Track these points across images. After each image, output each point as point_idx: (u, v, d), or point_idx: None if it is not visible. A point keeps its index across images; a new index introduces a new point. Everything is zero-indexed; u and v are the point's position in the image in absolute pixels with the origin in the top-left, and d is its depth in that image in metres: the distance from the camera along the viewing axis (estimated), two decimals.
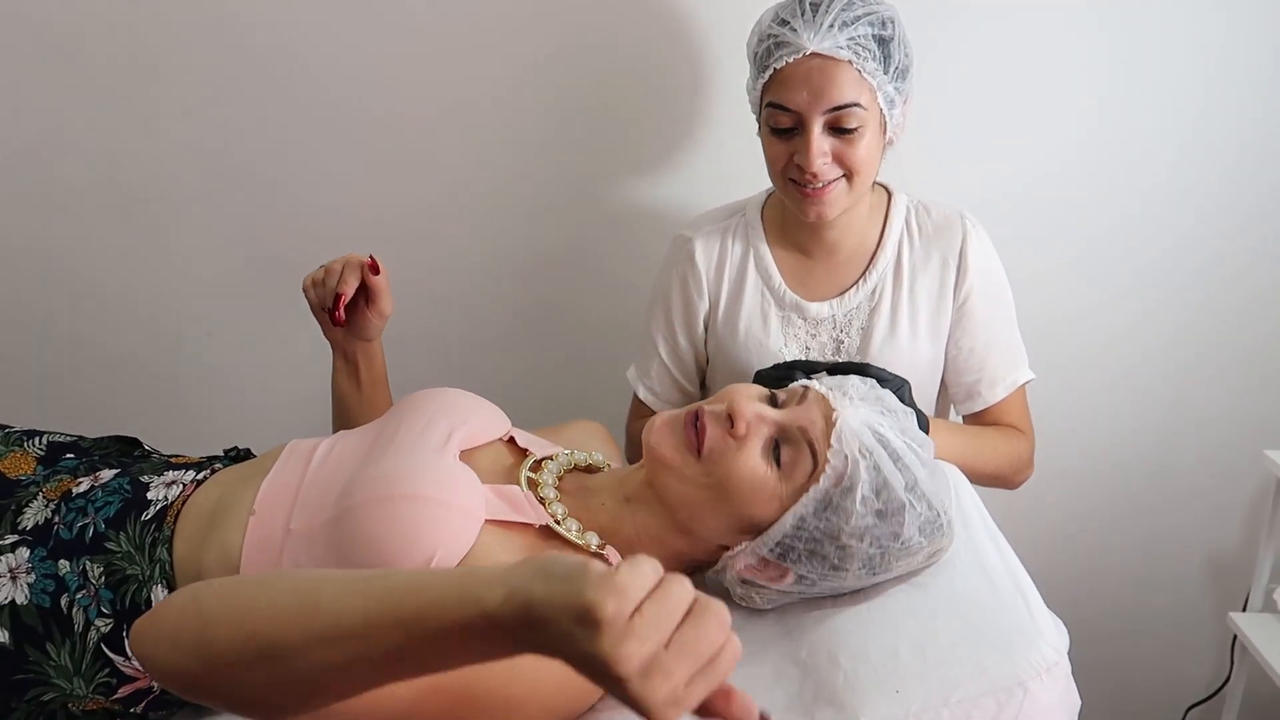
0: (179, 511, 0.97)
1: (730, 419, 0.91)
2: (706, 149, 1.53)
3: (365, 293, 1.16)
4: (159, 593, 0.92)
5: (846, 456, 0.88)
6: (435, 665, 0.58)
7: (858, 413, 0.91)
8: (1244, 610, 1.64)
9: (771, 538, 0.91)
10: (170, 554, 0.94)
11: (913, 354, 1.27)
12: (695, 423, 0.92)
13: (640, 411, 1.40)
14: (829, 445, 0.88)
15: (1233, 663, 1.68)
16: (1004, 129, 1.53)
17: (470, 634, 0.56)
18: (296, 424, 1.27)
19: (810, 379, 0.98)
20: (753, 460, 0.90)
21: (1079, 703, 0.89)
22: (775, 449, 0.90)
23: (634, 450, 1.38)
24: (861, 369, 1.06)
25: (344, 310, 1.14)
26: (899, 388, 1.06)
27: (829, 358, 1.29)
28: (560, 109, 1.52)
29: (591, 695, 0.83)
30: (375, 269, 1.14)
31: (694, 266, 1.31)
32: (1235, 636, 1.64)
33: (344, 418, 1.24)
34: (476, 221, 1.59)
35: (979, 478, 1.23)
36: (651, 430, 0.94)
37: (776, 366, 1.15)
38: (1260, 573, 1.61)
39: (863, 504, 0.88)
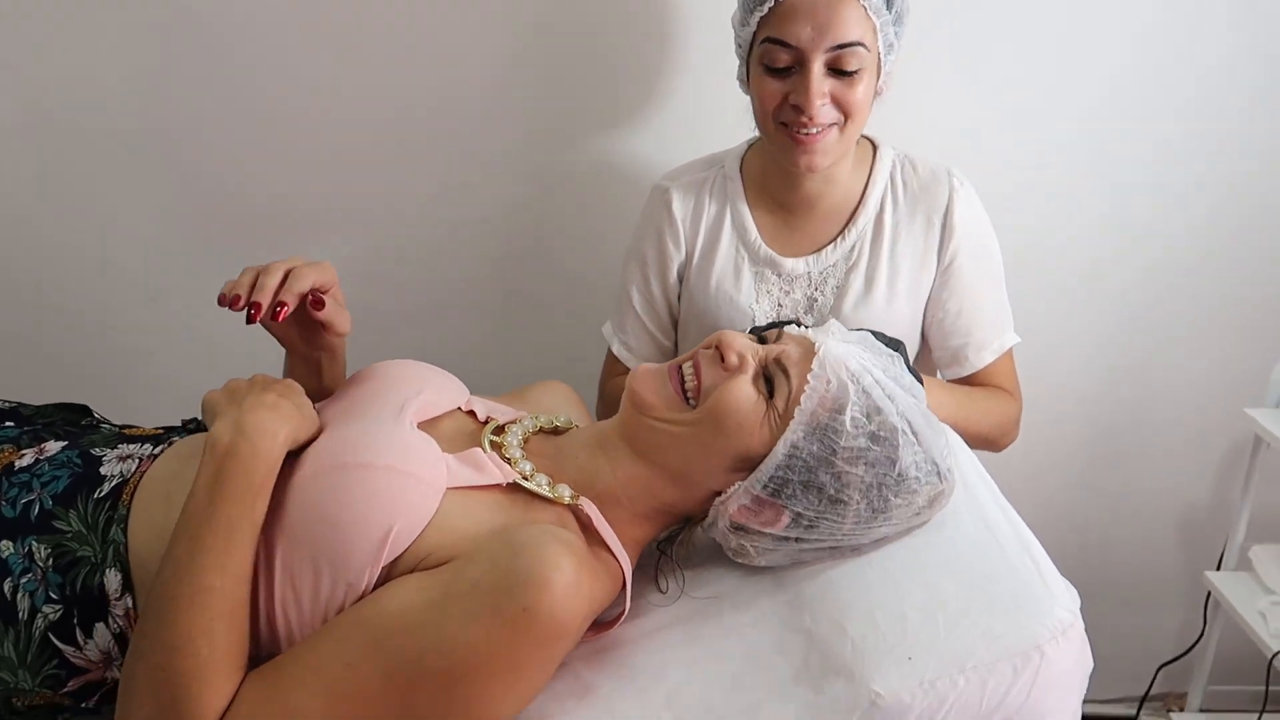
0: (135, 488, 0.89)
1: (720, 353, 0.90)
2: (673, 102, 1.47)
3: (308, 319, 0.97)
4: (112, 577, 0.85)
5: (830, 380, 0.87)
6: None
7: (839, 345, 0.91)
8: (1218, 569, 1.65)
9: (765, 471, 0.87)
10: (125, 534, 0.86)
11: (888, 315, 1.23)
12: (680, 369, 0.92)
13: (615, 369, 1.36)
14: (809, 369, 0.88)
15: (1206, 621, 1.69)
16: (992, 84, 1.49)
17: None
18: None
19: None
20: (745, 389, 0.88)
21: (1091, 664, 0.87)
22: (765, 381, 0.90)
23: (606, 409, 1.34)
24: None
25: (291, 319, 0.95)
26: (895, 349, 1.02)
27: (802, 316, 1.25)
28: (520, 64, 1.45)
29: (539, 669, 0.79)
30: (318, 304, 0.94)
31: (670, 217, 1.27)
32: (1209, 594, 1.65)
33: None
34: (434, 182, 1.52)
35: (969, 439, 1.19)
36: (635, 378, 0.93)
37: (770, 324, 1.11)
38: (1236, 531, 1.62)
39: (854, 425, 0.86)
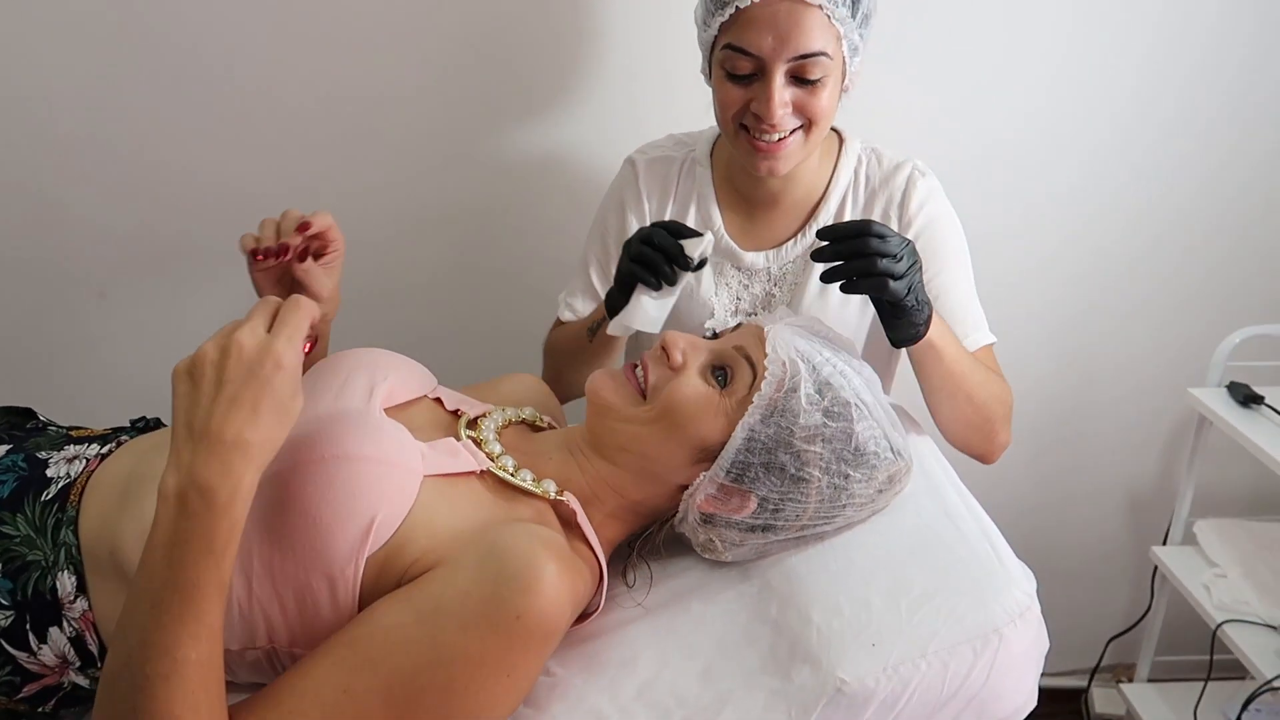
0: (83, 488, 0.87)
1: (664, 351, 0.92)
2: (640, 87, 1.46)
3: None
4: (65, 580, 0.83)
5: (784, 362, 0.89)
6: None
7: (788, 328, 0.93)
8: (1164, 544, 1.70)
9: (726, 458, 0.89)
10: (76, 535, 0.85)
11: (842, 314, 1.21)
12: (635, 369, 0.94)
13: (558, 327, 1.32)
14: (764, 354, 0.90)
15: (1153, 594, 1.74)
16: (942, 79, 1.50)
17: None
18: None
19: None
20: (693, 381, 0.90)
21: (1047, 644, 0.89)
22: (714, 372, 0.92)
23: (548, 363, 1.31)
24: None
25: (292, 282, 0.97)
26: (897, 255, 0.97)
27: (759, 311, 1.24)
28: (477, 49, 1.43)
29: (533, 668, 0.79)
30: (302, 255, 0.97)
31: (636, 190, 1.26)
32: (1156, 569, 1.70)
33: None
34: (390, 171, 1.50)
35: (974, 412, 1.12)
36: (594, 382, 0.94)
37: (640, 230, 1.07)
38: (1180, 507, 1.67)
39: (808, 401, 0.88)
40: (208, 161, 1.46)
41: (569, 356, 1.24)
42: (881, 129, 1.44)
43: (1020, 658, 0.85)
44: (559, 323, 1.32)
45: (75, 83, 1.40)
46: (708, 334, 0.98)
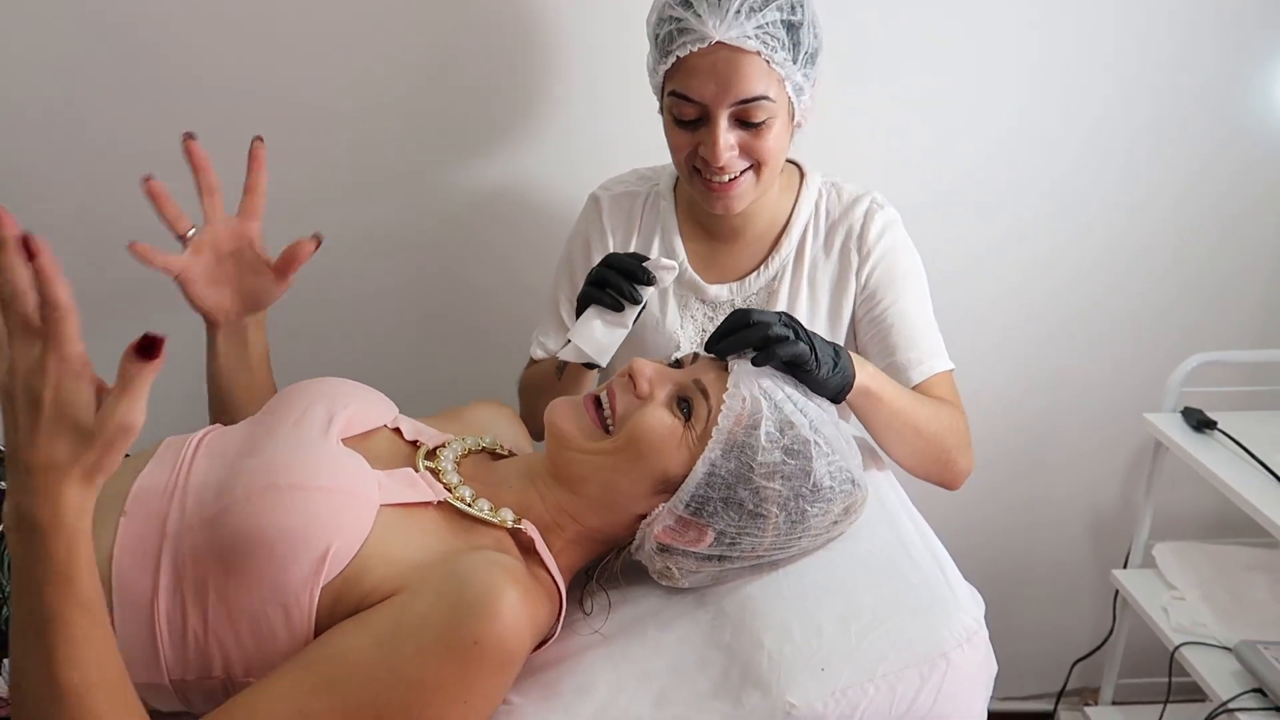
0: None
1: (631, 380, 0.93)
2: (603, 121, 1.49)
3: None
4: None
5: (745, 398, 0.90)
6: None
7: (751, 366, 0.94)
8: (1125, 567, 1.72)
9: (686, 491, 0.90)
10: None
11: None
12: (597, 400, 0.94)
13: (529, 367, 1.34)
14: (724, 389, 0.91)
15: (1115, 617, 1.76)
16: (909, 113, 1.54)
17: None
18: (173, 421, 1.17)
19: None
20: (658, 414, 0.91)
21: (996, 668, 0.90)
22: (677, 401, 0.93)
23: (523, 406, 1.32)
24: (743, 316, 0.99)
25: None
26: (780, 321, 0.97)
27: None
28: (437, 76, 1.46)
29: (493, 695, 0.80)
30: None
31: (601, 225, 1.28)
32: (1117, 592, 1.72)
33: (225, 403, 1.13)
34: (347, 208, 1.52)
35: (924, 448, 1.12)
36: (553, 411, 0.95)
37: (608, 256, 1.09)
38: (1140, 530, 1.69)
39: (768, 439, 0.89)
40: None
41: (540, 393, 1.25)
42: (850, 162, 1.48)
43: (968, 681, 0.86)
44: (532, 361, 1.34)
45: (37, 97, 1.41)
46: (670, 361, 0.99)
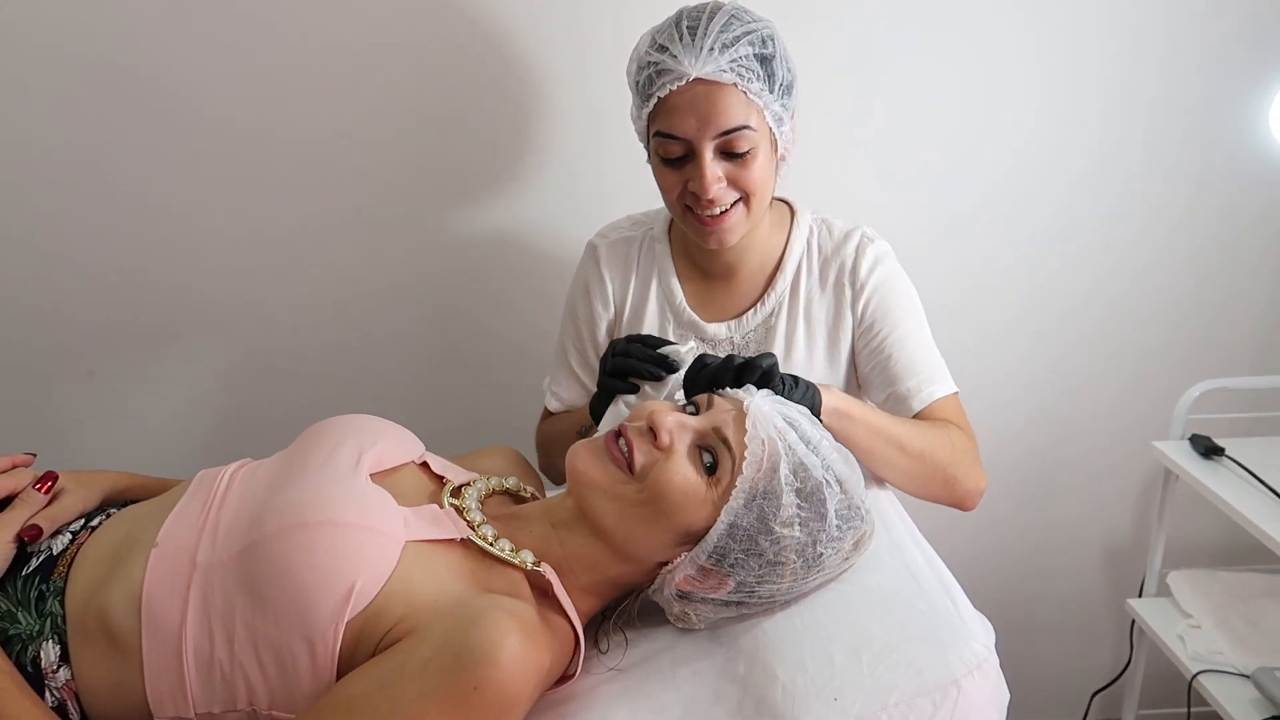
0: (72, 559, 0.90)
1: (652, 432, 0.92)
2: (604, 164, 1.53)
3: None
4: (49, 650, 0.85)
5: (763, 440, 0.90)
6: None
7: (765, 402, 0.94)
8: (1140, 596, 1.72)
9: (709, 543, 0.91)
10: (63, 605, 0.87)
11: (809, 374, 1.24)
12: (618, 440, 0.93)
13: (545, 418, 1.38)
14: (744, 433, 0.91)
15: (1132, 647, 1.75)
16: (913, 146, 1.58)
17: None
18: (206, 454, 1.20)
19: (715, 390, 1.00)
20: (683, 469, 0.90)
21: (1008, 696, 0.91)
22: (699, 454, 0.92)
23: (541, 457, 1.35)
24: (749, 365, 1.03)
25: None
26: (770, 365, 1.02)
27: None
28: (429, 124, 1.50)
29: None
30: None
31: (599, 273, 1.31)
32: (1133, 622, 1.72)
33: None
34: (367, 247, 1.56)
35: (920, 472, 1.13)
36: (575, 456, 0.94)
37: (616, 343, 1.14)
38: (1153, 559, 1.69)
39: (786, 484, 0.90)
40: (191, 253, 1.53)
41: (562, 451, 1.27)
42: (853, 195, 1.51)
43: (979, 709, 0.87)
44: (547, 412, 1.37)
45: (72, 161, 1.46)
46: (678, 367, 1.01)
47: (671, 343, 1.12)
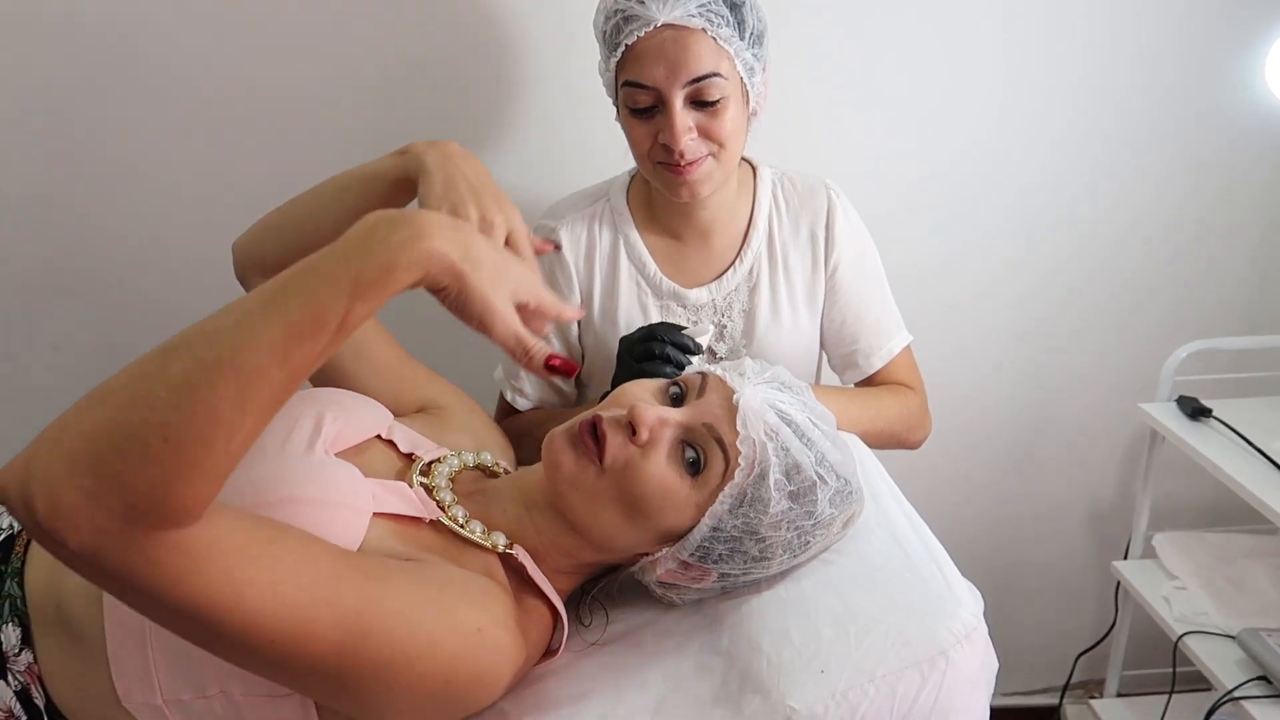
0: (29, 539, 0.86)
1: (632, 426, 0.86)
2: (560, 131, 1.49)
3: None
4: (9, 632, 0.83)
5: (754, 441, 0.85)
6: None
7: (758, 392, 0.88)
8: (1125, 558, 1.72)
9: (691, 543, 0.88)
10: (21, 587, 0.84)
11: (795, 330, 1.26)
12: (593, 431, 0.87)
13: (508, 415, 1.33)
14: (736, 434, 0.85)
15: (1117, 609, 1.76)
16: (891, 103, 1.54)
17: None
18: None
19: (704, 364, 0.97)
20: (660, 469, 0.85)
21: (997, 665, 0.90)
22: (682, 451, 0.86)
23: (526, 445, 1.31)
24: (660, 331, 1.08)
25: None
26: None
27: (714, 344, 1.26)
28: (399, 100, 1.46)
29: (452, 707, 0.79)
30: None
31: (561, 259, 1.25)
32: (1118, 583, 1.72)
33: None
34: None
35: (874, 439, 1.21)
36: (551, 444, 0.88)
37: (640, 330, 1.11)
38: (1139, 521, 1.69)
39: (776, 489, 0.85)
40: (158, 223, 1.48)
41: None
42: (830, 161, 1.48)
43: (969, 679, 0.85)
44: (506, 405, 1.31)
45: (29, 139, 1.41)
46: (666, 395, 0.92)
47: (685, 327, 1.11)
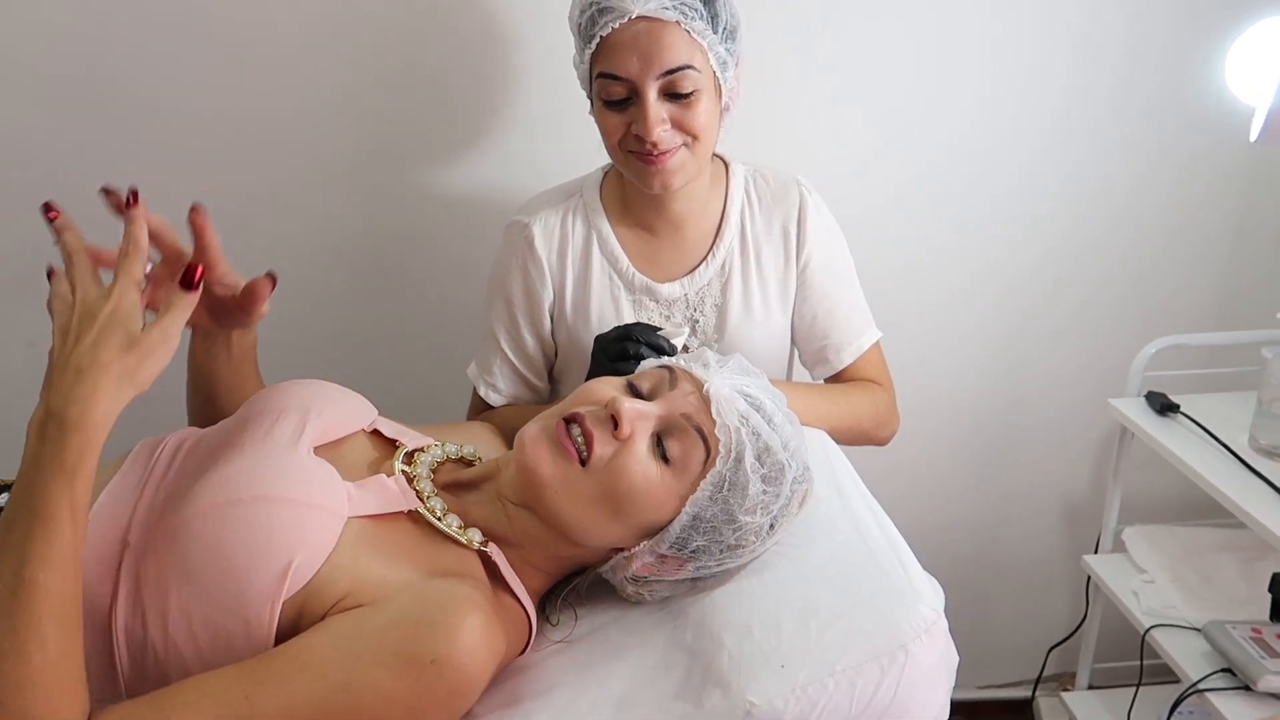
0: None
1: (614, 420, 0.87)
2: (532, 128, 1.49)
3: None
4: None
5: (730, 428, 0.87)
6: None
7: (725, 380, 0.90)
8: (1096, 552, 1.73)
9: (670, 535, 0.88)
10: None
11: (767, 325, 1.27)
12: (568, 431, 0.88)
13: (480, 409, 1.33)
14: (713, 422, 0.87)
15: (1088, 603, 1.77)
16: (873, 101, 1.55)
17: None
18: (153, 422, 1.15)
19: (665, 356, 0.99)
20: (641, 463, 0.86)
21: (957, 659, 0.91)
22: (659, 444, 0.88)
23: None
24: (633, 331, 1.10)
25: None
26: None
27: (687, 340, 1.26)
28: (364, 82, 1.46)
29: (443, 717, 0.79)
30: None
31: (534, 254, 1.24)
32: (1089, 578, 1.73)
33: (207, 398, 1.07)
34: (306, 215, 1.52)
35: (842, 435, 1.22)
36: (523, 447, 0.88)
37: (615, 330, 1.13)
38: (1109, 515, 1.70)
39: (752, 472, 0.87)
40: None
41: None
42: (805, 160, 1.48)
43: (928, 673, 0.86)
44: (479, 400, 1.32)
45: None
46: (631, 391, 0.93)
47: (661, 328, 1.12)
